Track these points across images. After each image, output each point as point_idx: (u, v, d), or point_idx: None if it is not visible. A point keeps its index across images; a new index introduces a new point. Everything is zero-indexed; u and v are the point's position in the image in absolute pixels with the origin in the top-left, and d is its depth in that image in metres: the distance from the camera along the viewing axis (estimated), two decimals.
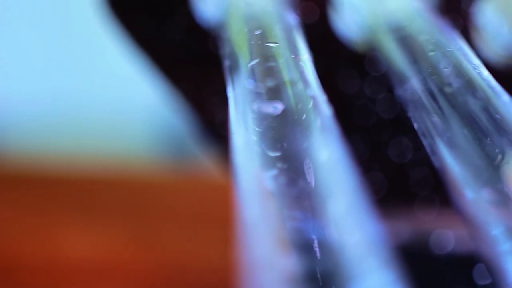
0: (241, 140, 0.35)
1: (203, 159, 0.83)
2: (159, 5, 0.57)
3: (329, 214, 0.30)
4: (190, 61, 0.58)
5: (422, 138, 0.38)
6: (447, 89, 0.37)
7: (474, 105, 0.35)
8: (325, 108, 0.35)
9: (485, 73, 0.39)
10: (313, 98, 0.36)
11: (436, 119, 0.38)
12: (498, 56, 0.55)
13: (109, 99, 1.34)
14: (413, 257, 0.66)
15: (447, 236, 0.61)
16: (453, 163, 0.36)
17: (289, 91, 0.38)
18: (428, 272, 0.62)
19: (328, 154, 0.34)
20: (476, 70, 0.39)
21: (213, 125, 0.60)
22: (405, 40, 0.46)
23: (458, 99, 0.36)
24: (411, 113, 0.40)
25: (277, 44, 0.39)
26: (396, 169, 0.61)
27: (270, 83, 0.38)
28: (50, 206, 0.79)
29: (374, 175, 0.65)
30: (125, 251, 0.73)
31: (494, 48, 0.55)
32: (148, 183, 0.90)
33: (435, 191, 0.61)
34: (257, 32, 0.41)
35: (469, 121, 0.36)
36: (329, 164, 0.33)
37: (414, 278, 0.67)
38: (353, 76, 0.82)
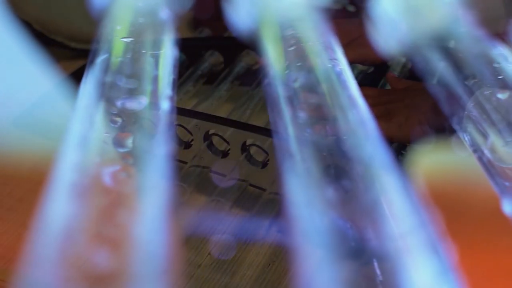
0: (78, 135, 0.34)
1: None
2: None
3: (144, 213, 0.30)
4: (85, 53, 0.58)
5: (274, 134, 0.38)
6: (296, 84, 0.37)
7: (315, 99, 0.35)
8: (165, 104, 0.35)
9: (341, 66, 0.39)
10: (154, 93, 0.36)
11: (286, 114, 0.38)
12: (393, 49, 0.55)
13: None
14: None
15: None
16: (302, 161, 0.36)
17: (142, 87, 0.38)
18: None
19: (163, 151, 0.34)
20: (330, 64, 0.39)
21: None
22: (282, 35, 0.46)
23: (301, 94, 0.36)
24: (269, 108, 0.40)
25: (131, 39, 0.39)
26: None
27: (124, 77, 0.38)
28: None
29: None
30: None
31: (389, 41, 0.55)
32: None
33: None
34: (118, 27, 0.41)
35: (314, 117, 0.36)
36: (160, 161, 0.33)
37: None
38: (246, 68, 0.82)
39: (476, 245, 0.60)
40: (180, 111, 0.80)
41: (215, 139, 0.79)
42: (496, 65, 0.41)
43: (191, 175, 0.78)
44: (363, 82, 0.89)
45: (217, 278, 0.69)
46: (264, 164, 0.76)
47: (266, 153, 0.76)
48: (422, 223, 0.33)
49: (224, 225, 0.73)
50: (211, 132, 0.79)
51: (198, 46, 0.97)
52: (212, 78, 0.94)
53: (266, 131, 0.75)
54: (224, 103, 0.91)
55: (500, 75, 0.40)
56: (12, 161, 0.84)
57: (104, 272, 0.26)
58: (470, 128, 0.39)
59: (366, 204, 0.33)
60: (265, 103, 0.79)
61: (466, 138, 0.39)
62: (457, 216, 0.63)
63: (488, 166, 0.38)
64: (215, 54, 0.96)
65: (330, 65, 0.39)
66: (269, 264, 0.70)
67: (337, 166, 0.35)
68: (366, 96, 0.82)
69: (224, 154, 0.79)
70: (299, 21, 0.47)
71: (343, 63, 0.40)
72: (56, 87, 0.65)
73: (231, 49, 0.94)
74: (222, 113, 0.86)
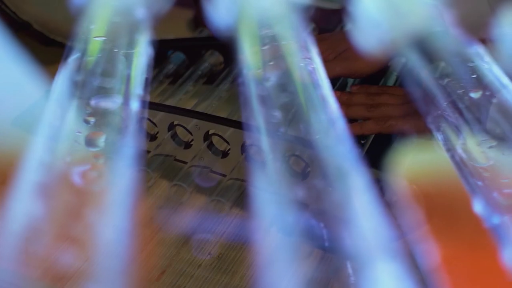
0: (50, 133, 0.35)
1: None
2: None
3: (112, 212, 0.30)
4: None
5: (254, 133, 0.38)
6: (268, 83, 0.37)
7: (284, 98, 0.35)
8: (135, 103, 0.35)
9: (314, 65, 0.39)
10: (126, 92, 0.36)
11: (258, 112, 0.38)
12: (373, 49, 0.54)
13: None
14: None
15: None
16: (274, 160, 0.36)
17: (116, 86, 0.38)
18: None
19: (134, 150, 0.34)
20: (303, 63, 0.39)
21: None
22: (259, 34, 0.46)
23: (274, 93, 0.36)
24: (242, 107, 0.40)
25: (105, 38, 0.39)
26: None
27: (97, 76, 0.38)
28: None
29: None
30: None
31: (370, 40, 0.55)
32: None
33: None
34: (93, 26, 0.41)
35: (286, 116, 0.36)
36: (131, 160, 0.33)
37: None
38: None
39: (469, 244, 0.60)
40: (180, 111, 0.80)
41: (215, 139, 0.79)
42: (471, 64, 0.40)
43: (191, 175, 0.78)
44: (364, 81, 0.88)
45: (217, 278, 0.69)
46: None
47: None
48: (395, 224, 0.33)
49: (224, 225, 0.73)
50: (211, 132, 0.79)
51: (198, 46, 0.97)
52: (212, 78, 0.94)
53: None
54: (224, 103, 0.91)
55: (474, 74, 0.40)
56: (12, 161, 0.84)
57: (68, 271, 0.26)
58: (444, 127, 0.38)
59: (338, 203, 0.33)
60: None
61: (439, 137, 0.39)
62: (455, 215, 0.62)
63: (461, 165, 0.37)
64: (215, 54, 0.96)
65: (302, 64, 0.38)
66: None
67: (309, 165, 0.35)
68: (396, 95, 0.82)
69: (224, 154, 0.79)
70: (277, 20, 0.47)
71: (316, 62, 0.40)
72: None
73: (231, 49, 0.94)
74: (222, 113, 0.86)
